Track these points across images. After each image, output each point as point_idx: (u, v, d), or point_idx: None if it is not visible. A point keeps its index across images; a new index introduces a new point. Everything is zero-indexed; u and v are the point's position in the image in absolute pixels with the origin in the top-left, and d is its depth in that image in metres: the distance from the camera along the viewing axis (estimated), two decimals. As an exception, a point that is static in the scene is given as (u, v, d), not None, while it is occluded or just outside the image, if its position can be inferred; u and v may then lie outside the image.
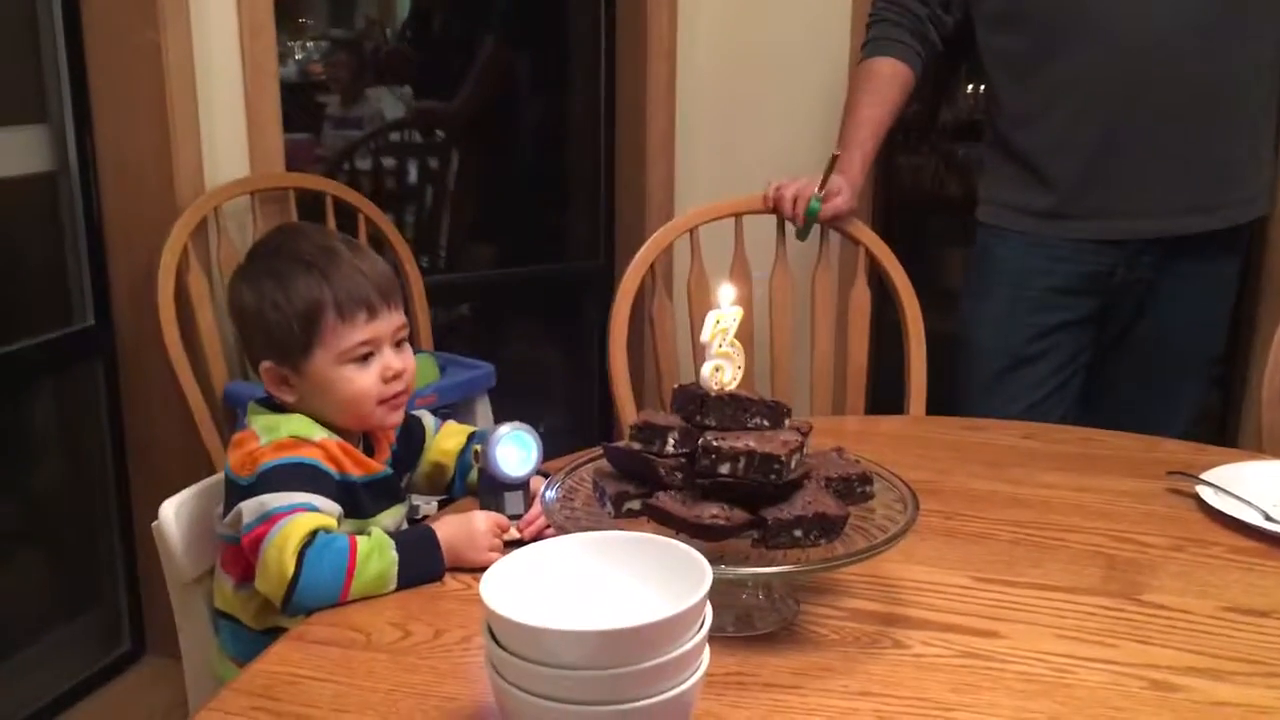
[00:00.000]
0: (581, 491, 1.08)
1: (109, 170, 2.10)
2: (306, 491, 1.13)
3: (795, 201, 1.89)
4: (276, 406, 1.25)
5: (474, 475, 1.29)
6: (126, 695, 2.13)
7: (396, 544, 1.11)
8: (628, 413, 1.77)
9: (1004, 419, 1.84)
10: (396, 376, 1.24)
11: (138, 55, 2.01)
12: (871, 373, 1.96)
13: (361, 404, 1.22)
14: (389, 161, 3.33)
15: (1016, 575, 1.14)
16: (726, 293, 1.02)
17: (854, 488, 1.05)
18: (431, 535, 1.13)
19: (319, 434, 1.20)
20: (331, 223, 2.23)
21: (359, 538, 1.10)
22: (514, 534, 1.18)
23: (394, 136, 3.39)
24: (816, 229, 1.93)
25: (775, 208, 1.92)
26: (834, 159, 1.88)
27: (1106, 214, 1.91)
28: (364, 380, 1.22)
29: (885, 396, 1.99)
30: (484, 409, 2.21)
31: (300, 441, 1.17)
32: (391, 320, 1.24)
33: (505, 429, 1.20)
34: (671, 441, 1.02)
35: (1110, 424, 1.66)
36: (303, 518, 1.10)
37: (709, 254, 1.91)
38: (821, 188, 1.88)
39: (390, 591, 1.09)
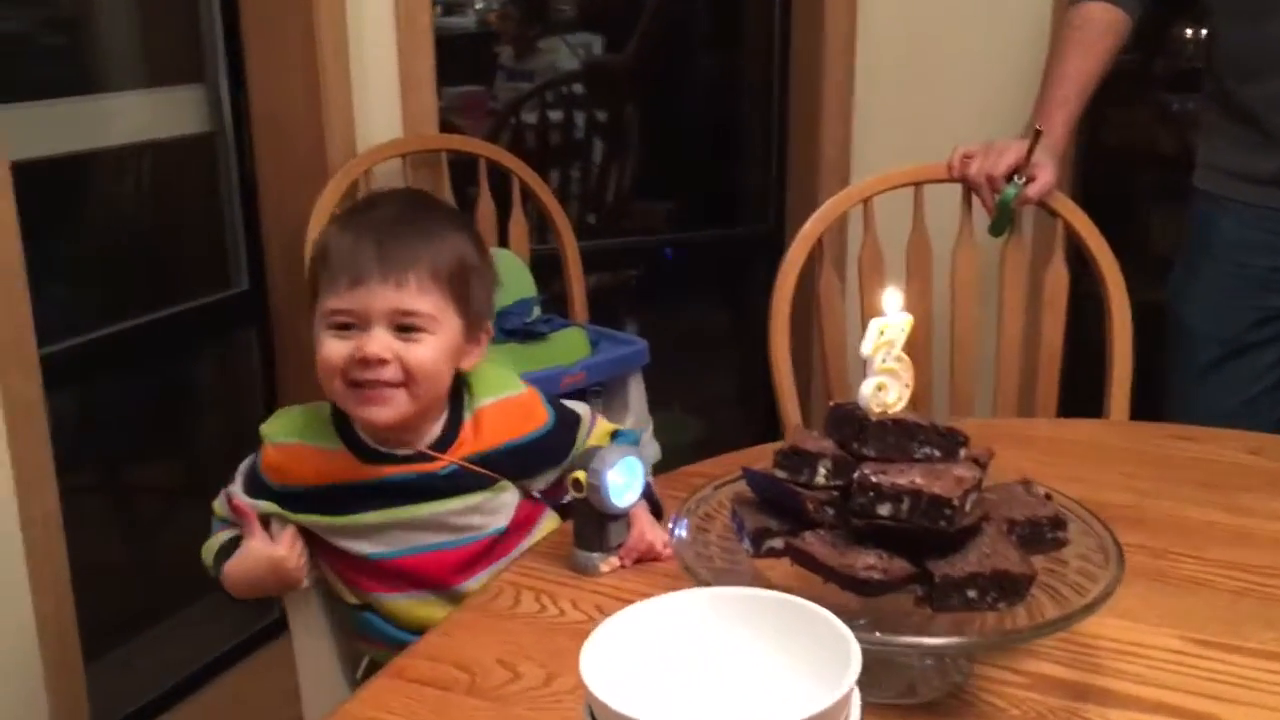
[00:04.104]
0: (718, 519, 0.95)
1: (262, 131, 2.06)
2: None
3: (987, 185, 1.67)
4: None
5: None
6: (274, 662, 2.12)
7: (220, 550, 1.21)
8: (789, 406, 1.62)
9: (1217, 414, 1.62)
10: (364, 362, 1.09)
11: (290, 13, 1.96)
12: (1066, 354, 1.74)
13: (327, 377, 1.12)
14: (556, 115, 3.24)
15: (1242, 639, 0.94)
16: (892, 299, 0.86)
17: (1043, 534, 0.88)
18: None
19: (286, 438, 1.21)
20: (485, 186, 2.14)
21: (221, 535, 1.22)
22: (614, 563, 1.06)
23: (563, 89, 3.30)
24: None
25: (961, 178, 1.72)
26: (1037, 134, 1.65)
27: None
28: (331, 350, 1.11)
29: (1081, 384, 1.77)
30: (637, 388, 2.09)
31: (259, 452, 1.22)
32: (389, 298, 1.10)
33: (613, 455, 1.04)
34: (823, 472, 0.87)
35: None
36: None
37: (885, 227, 1.73)
38: (1022, 172, 1.66)
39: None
